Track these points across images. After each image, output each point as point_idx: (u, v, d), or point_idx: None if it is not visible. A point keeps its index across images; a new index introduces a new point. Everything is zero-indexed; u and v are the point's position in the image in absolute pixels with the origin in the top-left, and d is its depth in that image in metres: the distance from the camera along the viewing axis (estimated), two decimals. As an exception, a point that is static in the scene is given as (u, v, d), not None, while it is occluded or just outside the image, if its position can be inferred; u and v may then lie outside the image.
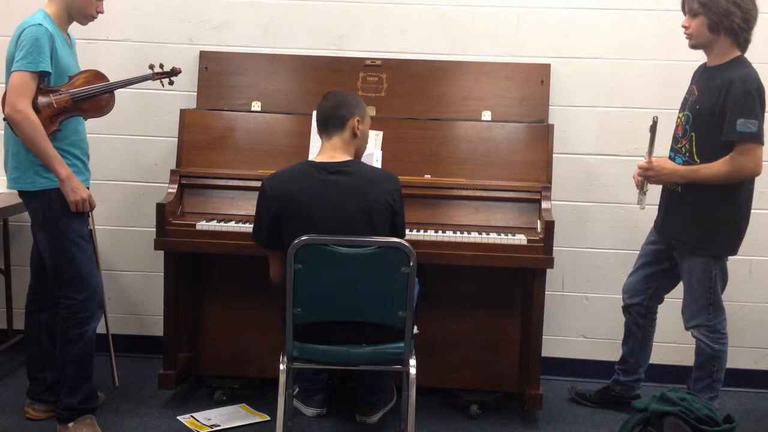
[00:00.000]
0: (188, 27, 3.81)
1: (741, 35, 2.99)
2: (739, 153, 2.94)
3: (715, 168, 2.97)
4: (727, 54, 3.02)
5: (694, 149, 3.07)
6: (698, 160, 3.04)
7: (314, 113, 3.13)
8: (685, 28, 3.06)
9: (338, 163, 2.86)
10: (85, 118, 3.03)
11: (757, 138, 2.93)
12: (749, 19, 2.97)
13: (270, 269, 2.98)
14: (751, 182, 3.06)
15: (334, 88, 3.07)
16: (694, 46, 3.09)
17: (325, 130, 2.94)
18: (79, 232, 2.96)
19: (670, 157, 3.17)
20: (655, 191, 3.25)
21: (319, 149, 2.98)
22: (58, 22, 2.96)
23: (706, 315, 3.11)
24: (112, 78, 3.09)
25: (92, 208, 3.01)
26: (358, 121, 2.94)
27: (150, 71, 3.23)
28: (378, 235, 2.78)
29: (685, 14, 3.07)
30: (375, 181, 2.86)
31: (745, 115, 2.91)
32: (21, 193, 3.00)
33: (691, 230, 3.09)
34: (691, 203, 3.09)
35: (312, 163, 2.90)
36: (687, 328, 3.19)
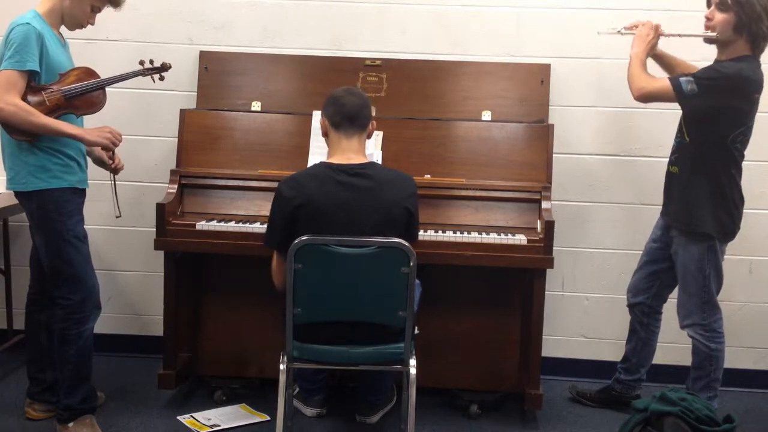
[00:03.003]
0: (188, 27, 3.81)
1: (761, 43, 3.00)
2: (659, 80, 3.04)
3: (641, 69, 3.09)
4: (737, 53, 3.02)
5: (683, 127, 3.11)
6: (687, 139, 3.08)
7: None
8: (708, 19, 3.04)
9: (357, 165, 2.82)
10: (78, 116, 3.01)
11: (676, 86, 2.97)
12: None
13: (274, 275, 2.92)
14: (736, 170, 3.07)
15: (338, 87, 2.98)
16: (711, 41, 3.07)
17: (351, 127, 2.85)
18: (74, 233, 2.96)
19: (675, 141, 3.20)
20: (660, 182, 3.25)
21: (331, 147, 2.91)
22: (50, 21, 2.96)
23: (701, 314, 3.12)
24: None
25: (120, 140, 3.03)
26: (373, 125, 2.95)
27: (140, 67, 3.23)
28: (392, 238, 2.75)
29: (709, 6, 3.06)
30: (393, 184, 2.82)
31: (696, 77, 2.97)
32: (17, 194, 3.00)
33: (685, 210, 3.11)
34: (684, 183, 3.11)
35: (330, 165, 2.83)
36: (682, 327, 3.20)
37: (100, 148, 3.07)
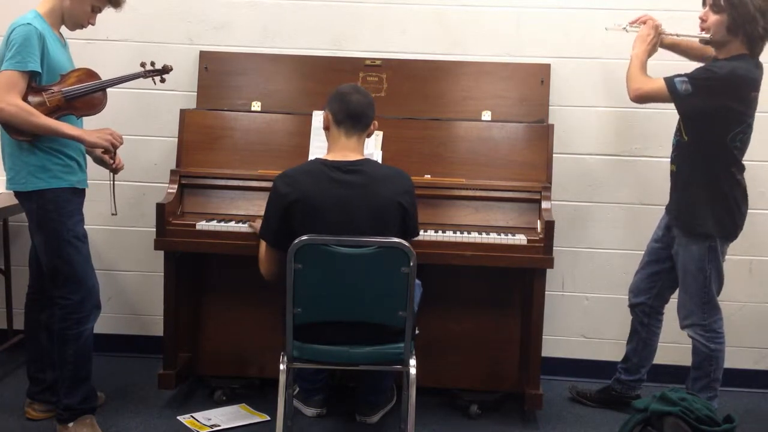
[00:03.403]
0: (188, 27, 3.81)
1: (758, 44, 2.99)
2: (654, 81, 3.04)
3: (639, 71, 3.11)
4: (734, 52, 3.02)
5: (681, 126, 3.12)
6: (686, 138, 3.09)
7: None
8: (702, 20, 3.05)
9: (352, 162, 2.84)
10: (78, 117, 3.01)
11: (670, 86, 2.99)
12: None
13: (263, 264, 2.94)
14: (737, 168, 3.06)
15: (333, 87, 2.99)
16: (706, 42, 3.07)
17: (354, 126, 2.86)
18: (74, 233, 2.96)
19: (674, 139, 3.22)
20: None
21: (330, 143, 2.93)
22: (51, 22, 2.96)
23: (701, 314, 3.12)
24: (107, 77, 3.09)
25: (120, 142, 3.04)
26: (375, 125, 2.96)
27: (142, 69, 3.23)
28: (388, 235, 2.76)
29: (704, 6, 3.06)
30: (387, 180, 2.84)
31: (690, 77, 2.97)
32: (16, 194, 3.00)
33: (686, 209, 3.12)
34: (683, 182, 3.13)
35: (325, 161, 2.86)
36: (682, 328, 3.20)
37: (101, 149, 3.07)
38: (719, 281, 3.13)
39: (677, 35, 3.21)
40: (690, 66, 3.14)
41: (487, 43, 3.75)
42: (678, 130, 3.16)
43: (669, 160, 3.24)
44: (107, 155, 3.09)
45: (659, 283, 3.34)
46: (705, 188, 3.07)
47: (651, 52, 3.18)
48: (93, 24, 3.07)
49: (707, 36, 3.04)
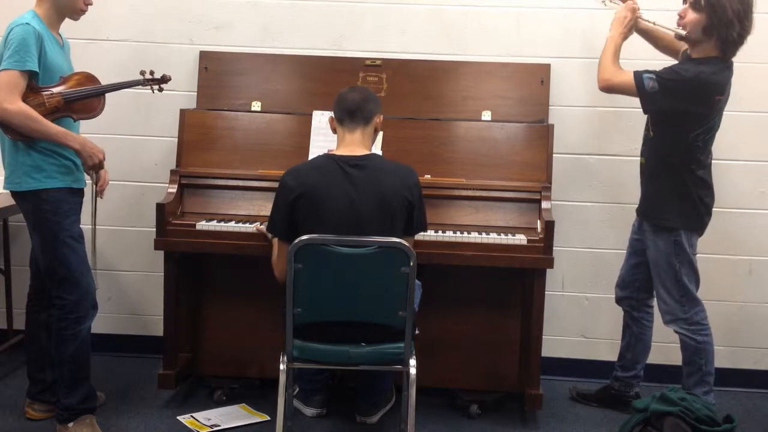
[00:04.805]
0: (188, 27, 3.81)
1: (729, 48, 3.00)
2: (624, 74, 3.05)
3: (612, 59, 3.11)
4: (706, 53, 3.03)
5: (648, 121, 3.17)
6: (651, 133, 3.13)
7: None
8: (680, 16, 3.06)
9: (358, 157, 2.88)
10: (75, 120, 3.02)
11: (638, 81, 2.99)
12: (744, 35, 2.98)
13: (275, 264, 2.95)
14: (696, 165, 3.06)
15: (338, 87, 3.05)
16: (681, 38, 3.09)
17: (351, 121, 2.93)
18: (69, 233, 2.96)
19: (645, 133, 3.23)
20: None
21: (338, 142, 2.98)
22: (48, 22, 2.96)
23: (681, 308, 3.14)
24: (108, 79, 3.09)
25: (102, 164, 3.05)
26: (380, 119, 3.00)
27: (141, 77, 3.23)
28: (394, 229, 2.79)
29: (684, 2, 3.06)
30: (393, 174, 2.88)
31: (658, 75, 2.98)
32: (13, 194, 3.00)
33: (652, 202, 3.16)
34: (648, 176, 3.17)
35: (333, 155, 2.91)
36: (666, 324, 3.22)
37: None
38: (694, 274, 3.15)
39: (654, 23, 3.22)
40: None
41: (487, 43, 3.75)
42: (646, 125, 3.19)
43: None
44: (90, 171, 3.07)
45: (640, 275, 3.35)
46: (669, 182, 3.10)
47: (627, 35, 3.19)
48: (91, 3, 3.03)
49: (683, 32, 3.05)
